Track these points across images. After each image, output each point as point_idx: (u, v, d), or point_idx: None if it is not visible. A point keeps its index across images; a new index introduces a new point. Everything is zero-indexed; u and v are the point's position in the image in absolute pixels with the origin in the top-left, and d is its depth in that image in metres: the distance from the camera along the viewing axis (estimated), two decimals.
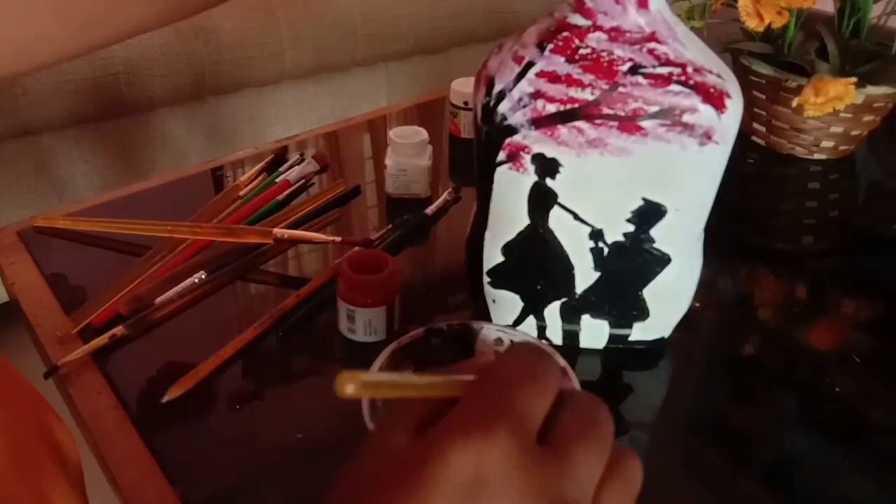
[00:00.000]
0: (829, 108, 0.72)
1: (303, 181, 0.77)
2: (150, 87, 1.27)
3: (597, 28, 0.46)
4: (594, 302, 0.54)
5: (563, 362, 0.47)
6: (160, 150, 1.37)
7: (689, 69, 0.45)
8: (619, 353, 0.56)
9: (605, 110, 0.45)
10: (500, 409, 0.24)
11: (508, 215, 0.51)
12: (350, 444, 0.48)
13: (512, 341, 0.49)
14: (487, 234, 0.54)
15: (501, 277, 0.54)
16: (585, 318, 0.55)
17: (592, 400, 0.27)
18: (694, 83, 0.44)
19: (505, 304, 0.56)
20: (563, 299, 0.54)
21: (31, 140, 1.23)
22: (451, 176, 0.82)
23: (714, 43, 0.55)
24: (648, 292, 0.53)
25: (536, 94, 0.46)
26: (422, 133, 0.74)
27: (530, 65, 0.46)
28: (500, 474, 0.23)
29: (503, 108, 0.47)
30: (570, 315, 0.55)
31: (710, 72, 0.45)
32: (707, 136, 0.45)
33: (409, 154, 0.73)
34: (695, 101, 0.44)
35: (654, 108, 0.44)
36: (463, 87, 0.84)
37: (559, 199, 0.49)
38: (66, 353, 0.54)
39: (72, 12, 0.40)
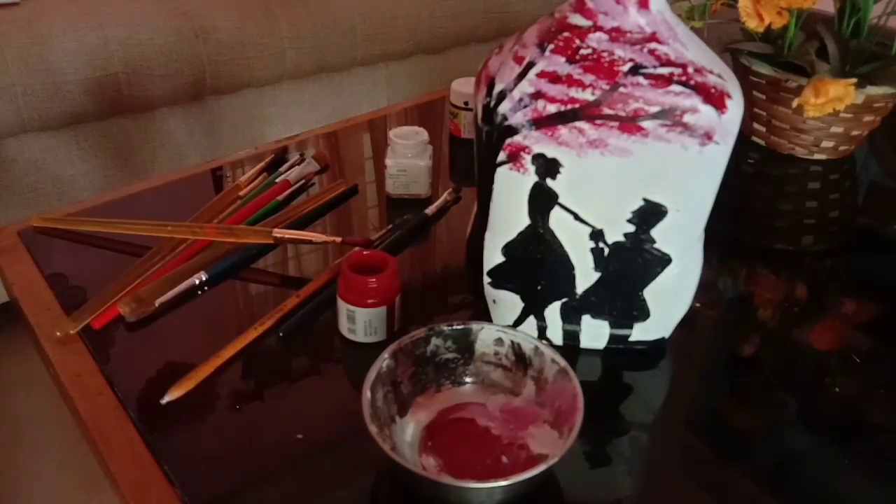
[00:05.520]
0: (830, 108, 0.72)
1: (303, 181, 0.77)
2: (150, 87, 1.27)
3: (597, 28, 0.46)
4: (595, 302, 0.54)
5: (563, 362, 0.47)
6: (160, 150, 1.37)
7: (690, 69, 0.45)
8: (620, 354, 0.56)
9: (606, 111, 0.45)
10: None
11: (509, 216, 0.51)
12: (350, 444, 0.48)
13: (512, 342, 0.50)
14: (488, 235, 0.54)
15: (502, 278, 0.54)
16: (586, 319, 0.55)
17: None
18: (695, 83, 0.44)
19: (505, 304, 0.56)
20: (564, 300, 0.54)
21: (31, 140, 1.23)
22: (451, 176, 0.82)
23: (714, 43, 0.55)
24: (649, 292, 0.53)
25: (537, 95, 0.46)
26: (422, 133, 0.74)
27: (531, 65, 0.47)
28: None
29: (504, 108, 0.47)
30: (571, 315, 0.55)
31: (711, 72, 0.45)
32: (708, 137, 0.45)
33: (409, 154, 0.73)
34: (695, 101, 0.44)
35: (654, 109, 0.44)
36: (463, 87, 0.84)
37: (560, 200, 0.49)
38: (66, 353, 0.55)
39: None
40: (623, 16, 0.45)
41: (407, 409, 0.48)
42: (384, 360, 0.47)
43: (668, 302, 0.54)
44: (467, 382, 0.51)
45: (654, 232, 0.50)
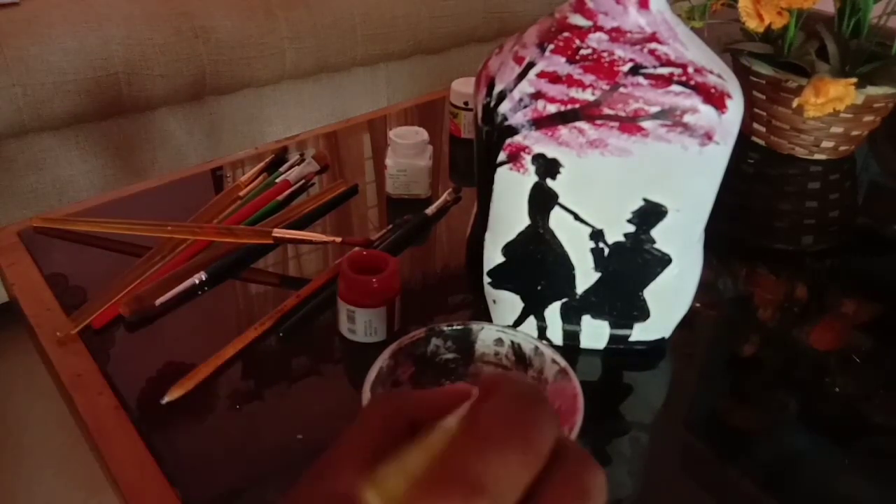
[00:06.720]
0: (830, 108, 0.72)
1: (303, 181, 0.77)
2: (150, 87, 1.27)
3: (598, 28, 0.46)
4: (595, 302, 0.54)
5: (563, 363, 0.47)
6: (160, 150, 1.37)
7: (690, 69, 0.45)
8: (620, 354, 0.56)
9: (606, 111, 0.45)
10: (473, 481, 0.20)
11: (509, 216, 0.51)
12: None
13: (512, 342, 0.49)
14: (488, 235, 0.54)
15: (502, 278, 0.54)
16: (586, 319, 0.55)
17: (587, 468, 0.22)
18: (695, 83, 0.44)
19: (505, 304, 0.55)
20: (564, 300, 0.54)
21: (31, 140, 1.23)
22: (451, 176, 0.82)
23: (714, 43, 0.55)
24: (649, 293, 0.53)
25: (537, 95, 0.46)
26: (422, 133, 0.74)
27: (531, 65, 0.46)
28: None
29: (504, 108, 0.47)
30: (571, 315, 0.55)
31: (711, 72, 0.45)
32: (708, 137, 0.45)
33: (409, 154, 0.73)
34: (695, 101, 0.44)
35: (654, 109, 0.44)
36: (463, 87, 0.84)
37: (560, 200, 0.49)
38: (66, 353, 0.55)
39: None
40: (623, 16, 0.45)
41: None
42: (384, 360, 0.47)
43: (668, 302, 0.54)
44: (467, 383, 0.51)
45: (654, 232, 0.50)
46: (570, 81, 0.45)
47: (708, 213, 0.51)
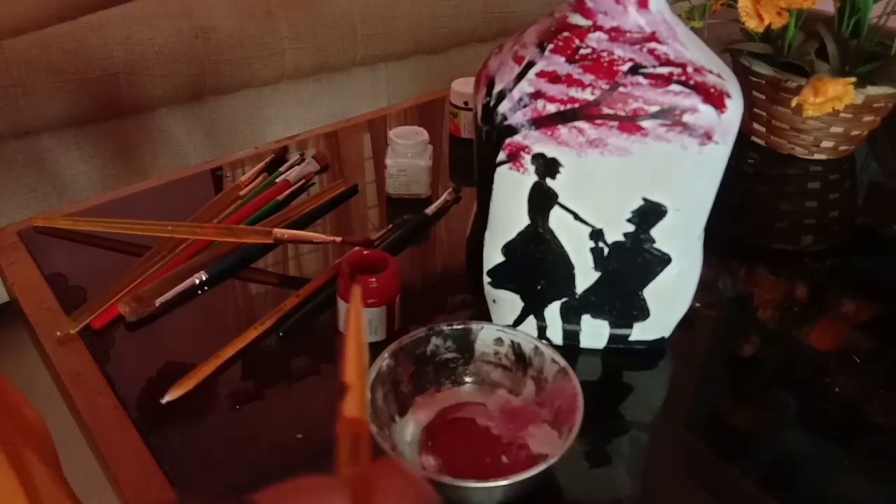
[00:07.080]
0: (829, 108, 0.72)
1: (303, 181, 0.77)
2: (150, 87, 1.27)
3: (597, 28, 0.46)
4: (594, 302, 0.54)
5: (563, 362, 0.47)
6: (160, 150, 1.37)
7: (690, 69, 0.45)
8: (620, 353, 0.56)
9: (606, 110, 0.45)
10: None
11: (509, 215, 0.51)
12: None
13: (512, 341, 0.50)
14: (487, 234, 0.54)
15: (501, 277, 0.54)
16: (586, 318, 0.55)
17: None
18: (694, 83, 0.44)
19: (505, 304, 0.56)
20: (564, 299, 0.54)
21: (31, 140, 1.23)
22: (451, 176, 0.82)
23: (714, 43, 0.55)
24: (649, 292, 0.53)
25: (537, 94, 0.46)
26: (422, 133, 0.74)
27: (531, 65, 0.47)
28: None
29: (503, 108, 0.47)
30: (571, 315, 0.55)
31: (711, 72, 0.45)
32: (707, 136, 0.45)
33: (409, 154, 0.73)
34: (695, 100, 0.44)
35: (654, 108, 0.44)
36: (463, 87, 0.84)
37: (559, 199, 0.49)
38: (66, 353, 0.55)
39: None
40: (623, 15, 0.45)
41: (407, 409, 0.48)
42: (384, 360, 0.47)
43: (668, 302, 0.54)
44: (467, 382, 0.51)
45: (654, 231, 0.50)
46: (570, 81, 0.45)
47: (708, 212, 0.51)
